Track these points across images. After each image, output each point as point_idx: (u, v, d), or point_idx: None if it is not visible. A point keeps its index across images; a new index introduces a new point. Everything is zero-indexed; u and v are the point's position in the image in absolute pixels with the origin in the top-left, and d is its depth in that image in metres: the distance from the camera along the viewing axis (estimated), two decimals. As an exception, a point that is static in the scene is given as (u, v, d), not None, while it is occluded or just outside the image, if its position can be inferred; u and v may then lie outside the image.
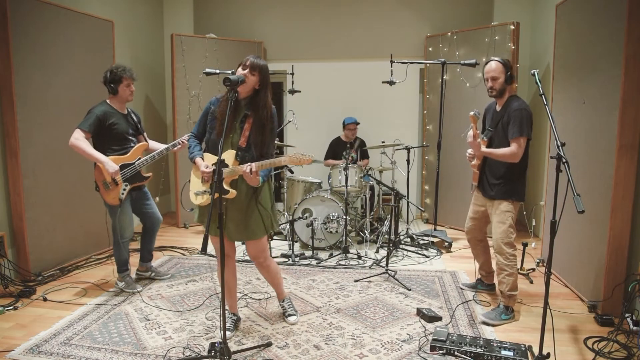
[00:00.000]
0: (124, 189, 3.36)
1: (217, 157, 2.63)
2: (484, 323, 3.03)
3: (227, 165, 2.63)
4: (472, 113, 3.00)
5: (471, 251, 3.51)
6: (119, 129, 3.38)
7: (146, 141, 3.58)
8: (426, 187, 5.85)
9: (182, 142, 3.51)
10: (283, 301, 3.15)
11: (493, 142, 3.14)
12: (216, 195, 2.62)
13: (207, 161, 2.69)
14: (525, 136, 2.94)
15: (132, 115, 3.56)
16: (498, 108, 3.15)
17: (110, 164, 3.27)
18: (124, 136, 3.43)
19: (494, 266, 3.54)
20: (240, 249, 4.45)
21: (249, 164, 2.53)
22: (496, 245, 3.11)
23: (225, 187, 2.62)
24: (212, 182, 2.29)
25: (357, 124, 5.42)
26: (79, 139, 3.23)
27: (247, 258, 4.35)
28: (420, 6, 5.80)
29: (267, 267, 2.92)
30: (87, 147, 3.25)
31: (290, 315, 3.08)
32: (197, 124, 2.82)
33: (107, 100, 3.43)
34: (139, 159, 3.45)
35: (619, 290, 3.02)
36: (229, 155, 2.64)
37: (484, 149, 3.10)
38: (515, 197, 3.08)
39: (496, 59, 3.09)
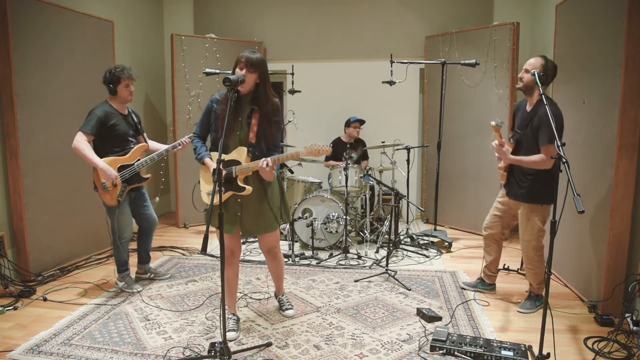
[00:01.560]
0: (123, 190, 3.36)
1: (224, 156, 2.67)
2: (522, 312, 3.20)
3: (238, 163, 2.67)
4: (493, 123, 2.86)
5: (483, 248, 3.48)
6: (119, 130, 3.37)
7: (146, 142, 3.58)
8: (426, 187, 5.85)
9: (183, 143, 3.51)
10: (282, 295, 3.23)
11: (522, 146, 3.05)
12: (229, 193, 2.70)
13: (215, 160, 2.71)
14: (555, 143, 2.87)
15: (133, 115, 3.55)
16: (528, 108, 3.05)
17: (109, 172, 3.25)
18: (125, 137, 3.42)
19: (499, 266, 3.56)
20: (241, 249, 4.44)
21: (264, 159, 2.57)
22: (524, 247, 3.17)
23: (240, 184, 2.68)
24: (215, 182, 2.28)
25: (363, 122, 5.40)
26: (81, 142, 3.22)
27: (247, 258, 4.36)
28: (420, 6, 5.80)
29: (279, 258, 3.05)
30: (88, 151, 3.22)
31: (287, 309, 3.15)
32: (198, 124, 2.84)
33: (108, 100, 3.42)
34: (138, 159, 3.45)
35: (619, 290, 3.02)
36: (239, 153, 2.68)
37: (511, 156, 2.99)
38: (542, 201, 3.02)
39: (542, 55, 2.98)
